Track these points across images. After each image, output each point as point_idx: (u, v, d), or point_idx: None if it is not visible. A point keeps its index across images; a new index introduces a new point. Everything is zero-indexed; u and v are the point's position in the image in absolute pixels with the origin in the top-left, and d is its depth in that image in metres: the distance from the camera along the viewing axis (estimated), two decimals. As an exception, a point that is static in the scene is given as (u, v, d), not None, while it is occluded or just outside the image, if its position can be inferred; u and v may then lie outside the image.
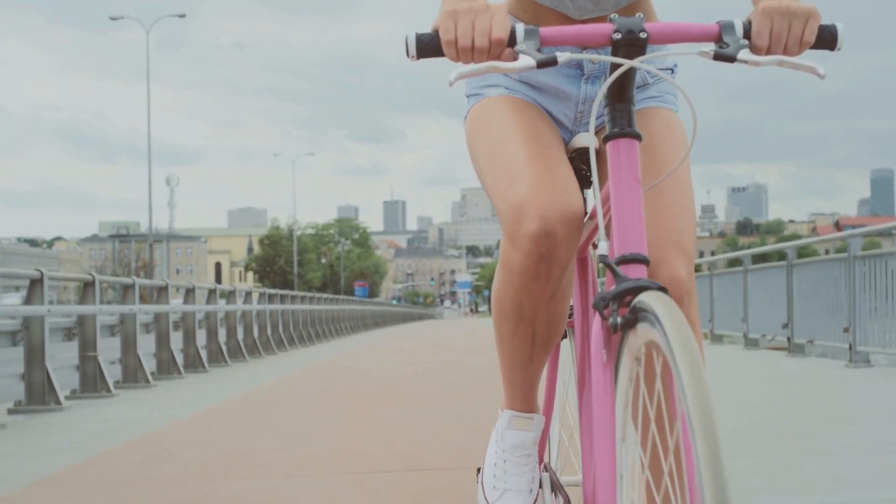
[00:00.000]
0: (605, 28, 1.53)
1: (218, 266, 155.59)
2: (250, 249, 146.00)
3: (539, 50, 1.52)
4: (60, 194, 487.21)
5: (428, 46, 1.54)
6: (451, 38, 1.53)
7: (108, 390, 8.64)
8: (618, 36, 1.50)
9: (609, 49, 1.56)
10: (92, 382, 8.61)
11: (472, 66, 1.50)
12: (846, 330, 9.26)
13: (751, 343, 13.00)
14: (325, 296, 25.83)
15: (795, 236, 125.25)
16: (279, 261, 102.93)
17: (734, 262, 14.85)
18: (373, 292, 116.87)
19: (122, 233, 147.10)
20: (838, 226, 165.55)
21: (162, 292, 11.05)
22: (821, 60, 1.66)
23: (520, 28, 1.53)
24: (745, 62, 1.52)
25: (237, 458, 4.86)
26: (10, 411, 7.29)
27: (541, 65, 1.50)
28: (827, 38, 1.60)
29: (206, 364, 12.02)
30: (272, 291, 17.38)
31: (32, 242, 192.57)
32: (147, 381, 9.71)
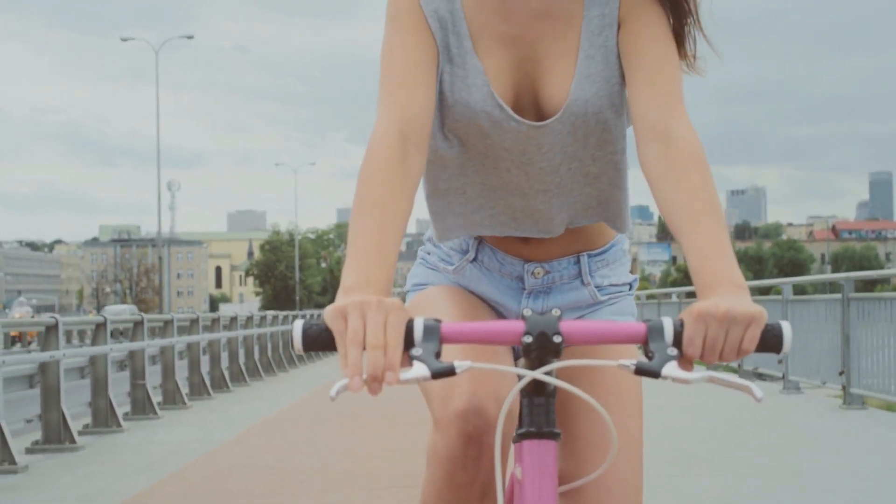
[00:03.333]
0: (515, 327, 1.37)
1: (218, 270, 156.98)
2: (250, 254, 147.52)
3: (438, 354, 1.36)
4: (60, 197, 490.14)
5: (316, 340, 1.38)
6: (341, 338, 1.34)
7: (155, 413, 10.17)
8: (528, 339, 1.35)
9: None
10: (141, 406, 10.16)
11: (357, 380, 1.31)
12: (780, 361, 10.88)
13: (710, 367, 14.55)
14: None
15: (790, 242, 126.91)
16: (280, 266, 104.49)
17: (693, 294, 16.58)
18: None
19: (124, 237, 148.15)
20: (835, 230, 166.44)
21: (194, 324, 12.61)
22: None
23: (418, 324, 1.37)
24: (671, 378, 1.35)
25: (281, 476, 6.38)
26: (80, 433, 8.80)
27: (436, 375, 1.33)
28: (771, 342, 1.41)
29: (229, 385, 13.58)
30: (284, 313, 18.99)
31: (33, 246, 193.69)
32: (184, 403, 11.25)
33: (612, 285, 1.91)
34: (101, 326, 9.18)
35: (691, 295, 17.97)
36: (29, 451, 7.72)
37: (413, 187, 1.58)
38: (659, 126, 1.60)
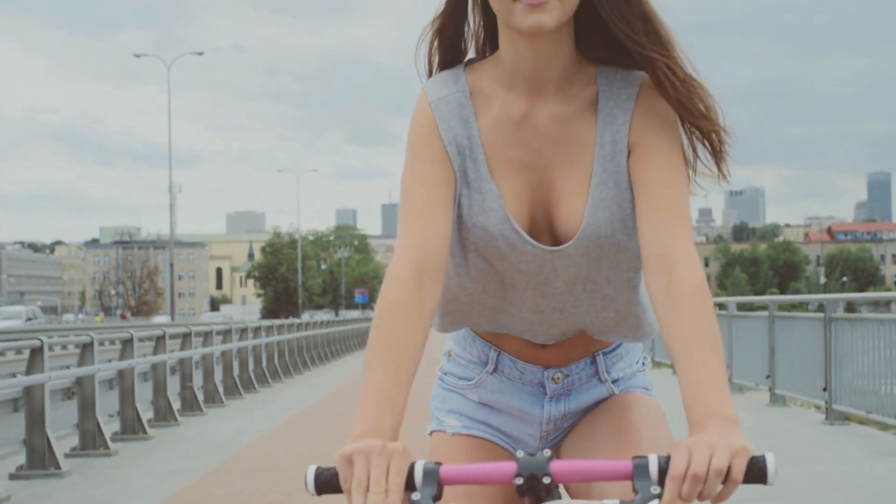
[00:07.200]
0: (507, 469, 1.42)
1: (219, 272, 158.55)
2: (251, 255, 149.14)
3: (437, 497, 1.44)
4: (57, 197, 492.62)
5: (327, 485, 1.49)
6: (348, 487, 1.46)
7: (201, 410, 12.09)
8: (519, 481, 1.39)
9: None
10: (189, 404, 12.08)
11: None
12: (767, 377, 12.10)
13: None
14: (336, 319, 29.72)
15: (786, 243, 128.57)
16: (281, 268, 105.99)
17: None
18: (372, 298, 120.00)
19: (125, 239, 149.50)
20: (830, 232, 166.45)
21: (227, 334, 14.55)
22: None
23: (418, 468, 1.45)
24: None
25: (321, 459, 8.18)
26: (150, 424, 10.69)
27: None
28: (756, 474, 1.38)
29: (256, 386, 15.53)
30: (298, 321, 20.95)
31: (33, 247, 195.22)
32: (222, 402, 13.17)
33: (627, 374, 1.97)
34: (161, 339, 11.10)
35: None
36: (112, 439, 9.60)
37: (428, 321, 1.66)
38: (662, 254, 1.61)
